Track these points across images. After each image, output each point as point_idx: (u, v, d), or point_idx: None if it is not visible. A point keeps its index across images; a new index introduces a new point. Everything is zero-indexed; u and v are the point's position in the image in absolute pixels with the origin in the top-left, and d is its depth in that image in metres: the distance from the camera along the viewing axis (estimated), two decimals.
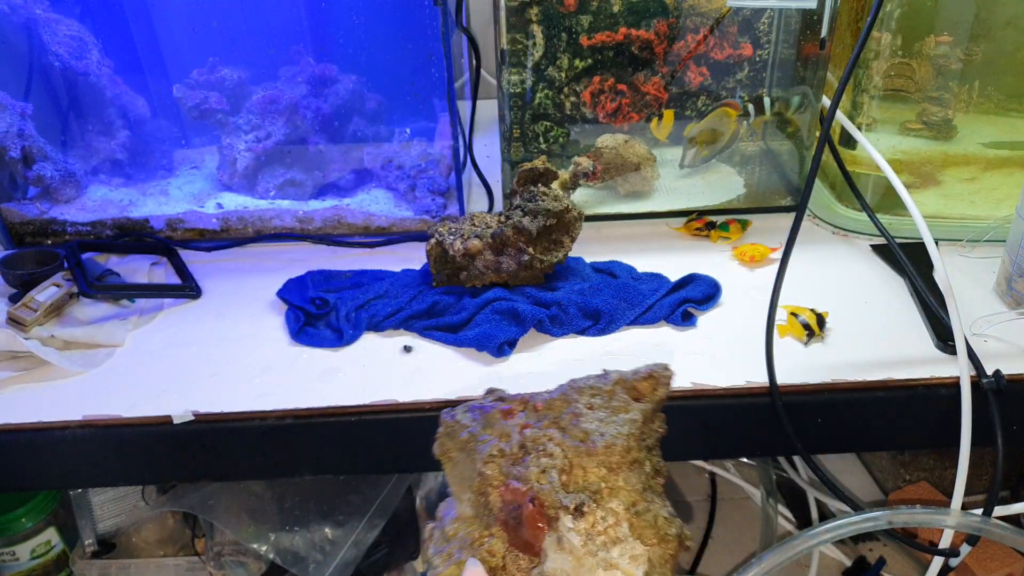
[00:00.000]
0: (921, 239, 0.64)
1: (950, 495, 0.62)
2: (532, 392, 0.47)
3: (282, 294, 0.74)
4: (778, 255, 0.79)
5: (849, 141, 0.82)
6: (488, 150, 1.04)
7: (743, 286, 0.75)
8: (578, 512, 0.37)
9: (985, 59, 0.79)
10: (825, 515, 1.08)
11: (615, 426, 0.40)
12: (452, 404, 0.62)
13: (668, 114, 0.83)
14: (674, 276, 0.75)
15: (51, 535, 0.97)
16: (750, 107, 0.84)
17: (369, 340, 0.70)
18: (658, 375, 0.44)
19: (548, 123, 0.85)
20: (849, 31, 0.83)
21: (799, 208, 0.62)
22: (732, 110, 0.84)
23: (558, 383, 0.64)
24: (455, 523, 0.42)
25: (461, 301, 0.72)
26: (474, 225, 0.74)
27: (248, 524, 0.91)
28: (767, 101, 0.83)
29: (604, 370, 0.47)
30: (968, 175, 0.86)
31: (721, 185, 0.90)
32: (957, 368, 0.61)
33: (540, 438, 0.40)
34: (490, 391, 0.48)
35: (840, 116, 0.77)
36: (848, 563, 1.05)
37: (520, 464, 0.39)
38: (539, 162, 0.74)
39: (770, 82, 0.85)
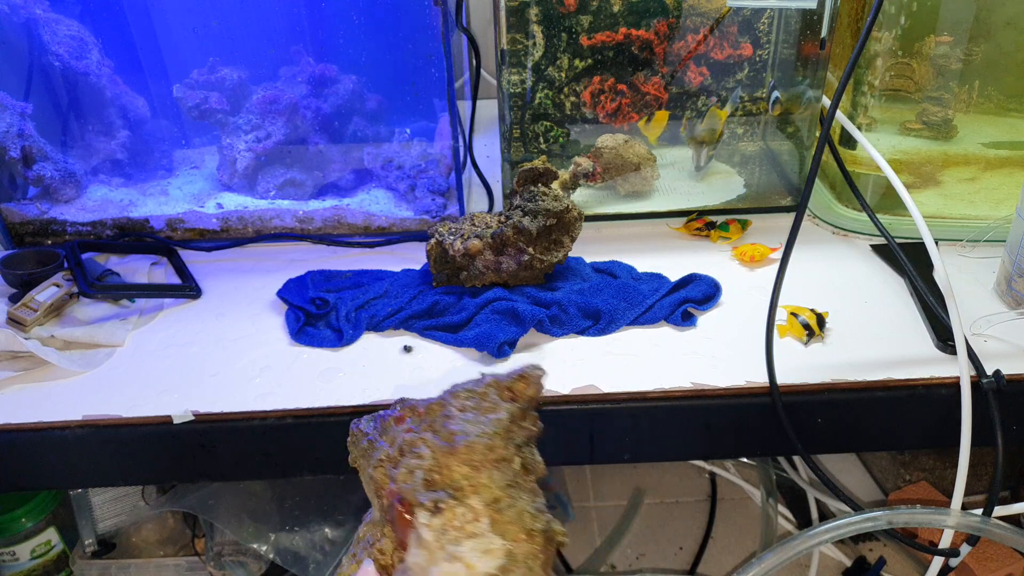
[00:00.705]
0: (921, 239, 0.64)
1: (950, 495, 0.62)
2: (423, 398, 0.48)
3: (282, 294, 0.74)
4: (778, 255, 0.79)
5: (849, 141, 0.82)
6: (488, 150, 1.04)
7: (743, 286, 0.75)
8: (436, 509, 0.38)
9: (985, 59, 0.79)
10: (825, 515, 1.08)
11: (480, 426, 0.41)
12: None
13: (661, 115, 0.83)
14: (674, 276, 0.75)
15: (51, 535, 0.97)
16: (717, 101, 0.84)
17: (369, 340, 0.70)
18: (529, 375, 0.45)
19: (548, 123, 0.85)
20: (849, 31, 0.83)
21: (799, 208, 0.62)
22: (717, 107, 0.84)
23: (556, 384, 0.64)
24: (365, 526, 0.46)
25: (461, 301, 0.72)
26: (474, 225, 0.74)
27: (248, 524, 0.91)
28: (734, 96, 0.83)
29: (482, 373, 0.48)
30: (968, 175, 0.86)
31: (721, 185, 0.90)
32: (957, 368, 0.61)
33: (416, 441, 0.42)
34: (400, 400, 0.49)
35: (840, 116, 0.77)
36: (848, 563, 1.05)
37: (397, 467, 0.41)
38: (539, 162, 0.74)
39: (774, 82, 0.85)
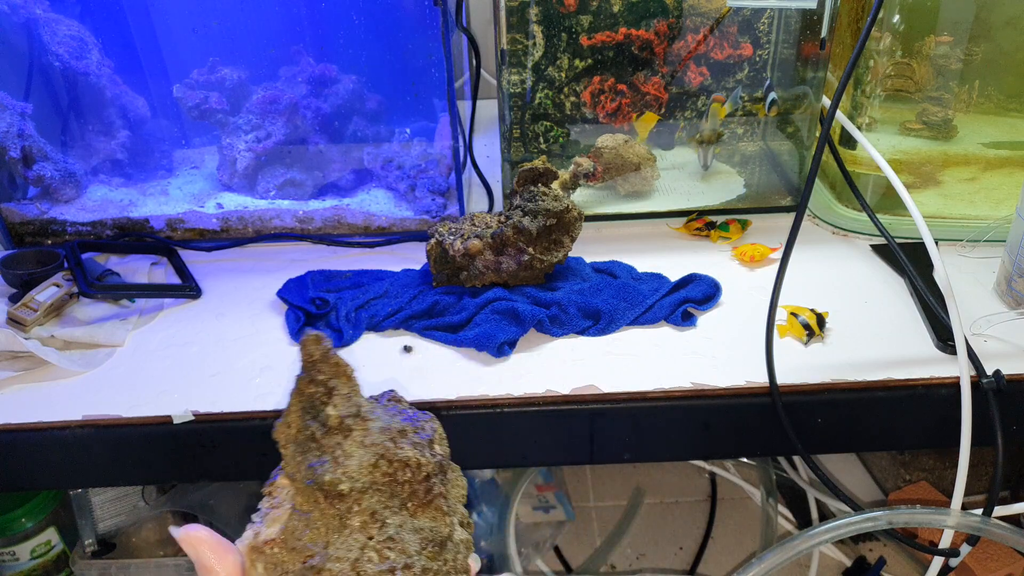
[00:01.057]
0: (921, 239, 0.64)
1: (950, 495, 0.62)
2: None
3: (282, 294, 0.74)
4: (778, 255, 0.79)
5: (849, 141, 0.82)
6: (488, 150, 1.04)
7: (743, 286, 0.75)
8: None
9: (985, 59, 0.79)
10: (825, 515, 1.08)
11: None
12: (452, 404, 0.63)
13: (649, 116, 0.83)
14: (674, 276, 0.75)
15: (51, 535, 0.97)
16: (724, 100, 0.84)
17: (369, 340, 0.70)
18: (303, 340, 0.41)
19: (548, 123, 0.85)
20: (849, 31, 0.83)
21: (799, 208, 0.62)
22: (718, 104, 0.84)
23: (556, 384, 0.64)
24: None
25: (461, 301, 0.72)
26: (474, 225, 0.74)
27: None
28: (734, 96, 0.84)
29: None
30: (968, 175, 0.86)
31: (721, 185, 0.90)
32: (957, 368, 0.61)
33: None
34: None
35: (840, 116, 0.77)
36: (848, 563, 1.05)
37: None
38: (539, 162, 0.74)
39: (770, 82, 0.85)
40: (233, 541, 0.35)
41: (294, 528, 0.35)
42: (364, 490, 0.35)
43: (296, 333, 0.70)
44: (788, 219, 0.78)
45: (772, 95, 0.83)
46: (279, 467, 0.40)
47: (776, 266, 0.63)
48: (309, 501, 0.36)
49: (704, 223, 0.84)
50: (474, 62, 0.94)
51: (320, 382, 0.39)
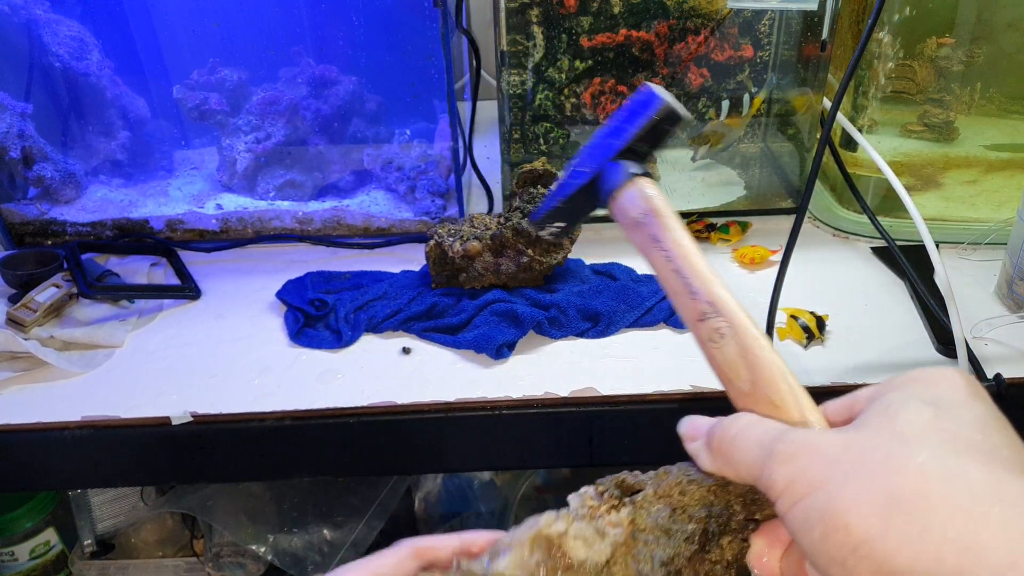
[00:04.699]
0: (922, 242, 0.64)
1: None
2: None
3: (281, 295, 0.74)
4: (778, 257, 0.78)
5: (850, 143, 0.82)
6: (488, 151, 1.04)
7: (743, 288, 0.75)
8: None
9: (987, 61, 0.79)
10: None
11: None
12: (451, 406, 0.63)
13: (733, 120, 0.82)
14: None
15: (50, 535, 0.97)
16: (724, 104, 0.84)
17: (368, 341, 0.69)
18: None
19: (548, 124, 0.85)
20: (850, 33, 0.83)
21: (799, 210, 0.62)
22: (735, 120, 0.84)
23: (555, 386, 0.63)
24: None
25: (460, 303, 0.72)
26: (473, 227, 0.74)
27: (247, 525, 0.91)
28: (745, 98, 0.83)
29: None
30: (969, 177, 0.86)
31: (721, 187, 0.90)
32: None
33: None
34: None
35: (841, 118, 0.77)
36: None
37: None
38: (539, 164, 0.74)
39: (771, 83, 0.85)
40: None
41: None
42: None
43: (295, 334, 0.69)
44: (788, 221, 0.78)
45: (754, 92, 0.83)
46: None
47: (776, 268, 0.63)
48: None
49: (704, 225, 0.84)
50: (474, 63, 0.94)
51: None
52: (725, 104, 0.83)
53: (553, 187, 0.52)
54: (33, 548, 0.96)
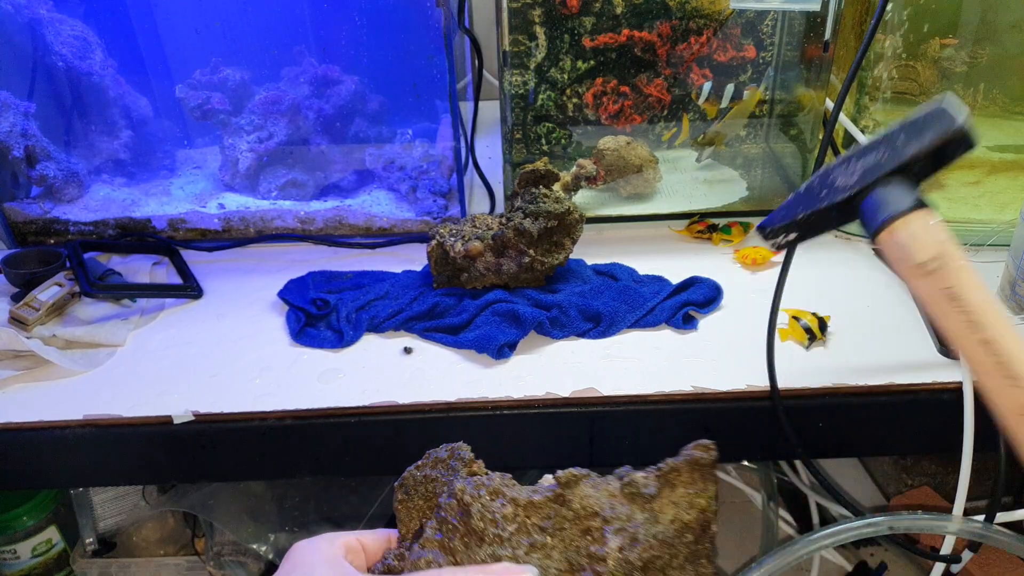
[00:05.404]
0: None
1: (952, 500, 0.61)
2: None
3: (283, 295, 0.74)
4: (780, 258, 0.78)
5: (852, 143, 0.82)
6: (490, 151, 1.04)
7: (744, 289, 0.75)
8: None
9: (990, 62, 0.79)
10: (826, 519, 1.08)
11: None
12: (452, 406, 0.63)
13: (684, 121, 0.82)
14: (675, 279, 0.75)
15: (52, 534, 0.97)
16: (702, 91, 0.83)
17: (369, 341, 0.69)
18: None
19: (550, 124, 0.85)
20: (853, 33, 0.83)
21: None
22: (712, 106, 0.84)
23: (556, 386, 0.63)
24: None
25: (462, 303, 0.72)
26: (475, 227, 0.74)
27: (248, 524, 0.91)
28: (728, 88, 0.82)
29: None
30: (972, 179, 0.86)
31: (723, 187, 0.90)
32: (960, 373, 0.61)
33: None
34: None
35: (843, 119, 0.77)
36: (849, 568, 1.05)
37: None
38: (541, 164, 0.74)
39: (773, 84, 0.85)
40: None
41: None
42: None
43: (296, 334, 0.70)
44: None
45: (731, 86, 0.82)
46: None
47: (778, 269, 0.63)
48: None
49: (706, 225, 0.84)
50: (476, 63, 0.94)
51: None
52: (706, 87, 0.82)
53: (800, 190, 0.47)
54: (35, 546, 0.96)
